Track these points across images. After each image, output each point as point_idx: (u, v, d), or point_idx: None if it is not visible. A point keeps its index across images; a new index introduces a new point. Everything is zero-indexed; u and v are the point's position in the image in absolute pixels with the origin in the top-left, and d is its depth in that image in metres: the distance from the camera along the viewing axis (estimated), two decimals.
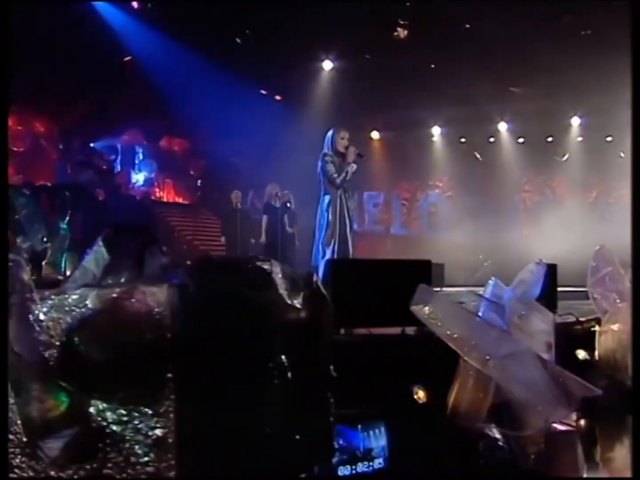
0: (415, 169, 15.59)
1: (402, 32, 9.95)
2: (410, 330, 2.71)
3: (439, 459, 2.10)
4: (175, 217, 13.33)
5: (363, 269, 2.77)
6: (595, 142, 13.74)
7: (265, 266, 1.18)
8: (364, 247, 15.69)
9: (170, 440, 1.01)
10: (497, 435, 2.20)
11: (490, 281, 2.67)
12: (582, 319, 3.58)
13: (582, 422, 3.29)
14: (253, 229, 8.89)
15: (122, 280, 1.29)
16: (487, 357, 2.22)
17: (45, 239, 11.02)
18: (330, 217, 4.96)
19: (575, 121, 13.99)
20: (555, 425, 2.27)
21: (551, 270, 3.71)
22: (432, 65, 11.84)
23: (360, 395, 2.34)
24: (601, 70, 10.37)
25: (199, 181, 15.55)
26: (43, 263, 10.60)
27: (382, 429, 2.03)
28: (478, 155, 15.19)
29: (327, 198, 5.07)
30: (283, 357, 1.12)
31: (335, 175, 5.00)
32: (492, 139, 14.79)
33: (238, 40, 10.36)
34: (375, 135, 15.37)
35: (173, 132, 15.26)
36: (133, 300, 1.08)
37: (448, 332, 2.30)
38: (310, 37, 10.42)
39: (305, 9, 9.37)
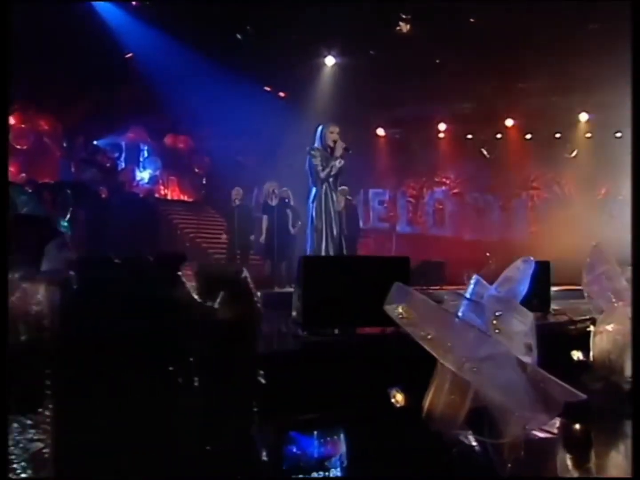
0: (421, 166, 15.44)
1: (404, 27, 9.80)
2: (389, 330, 2.59)
3: (408, 467, 1.99)
4: (179, 215, 13.27)
5: (336, 267, 2.64)
6: (604, 138, 13.50)
7: (173, 264, 1.07)
8: (369, 245, 15.58)
9: (46, 455, 0.91)
10: (473, 442, 2.08)
11: (472, 279, 2.54)
12: (576, 319, 3.44)
13: (576, 426, 3.16)
14: (252, 226, 8.78)
15: (17, 275, 1.19)
16: (463, 360, 2.10)
17: None
18: (313, 212, 4.85)
19: (584, 117, 13.77)
20: (536, 432, 2.14)
21: (544, 268, 3.58)
22: (437, 61, 11.67)
23: (331, 399, 2.23)
24: (609, 65, 10.16)
25: (204, 179, 15.48)
26: None
27: (342, 435, 1.92)
28: (485, 152, 15.00)
29: (312, 192, 4.96)
30: (191, 360, 1.02)
31: (320, 168, 4.86)
32: (499, 136, 14.60)
33: (239, 36, 10.25)
34: (380, 132, 15.23)
35: (177, 129, 15.20)
36: (12, 298, 0.98)
37: (422, 334, 2.18)
38: (312, 32, 10.30)
39: (305, 5, 9.25)
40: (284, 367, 2.06)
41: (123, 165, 14.80)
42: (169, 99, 12.69)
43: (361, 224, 15.93)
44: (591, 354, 3.33)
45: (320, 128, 5.01)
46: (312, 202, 4.88)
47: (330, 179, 4.84)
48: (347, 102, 13.16)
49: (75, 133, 13.36)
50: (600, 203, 14.29)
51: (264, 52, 11.25)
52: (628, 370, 3.22)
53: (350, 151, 5.00)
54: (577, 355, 3.53)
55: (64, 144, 13.48)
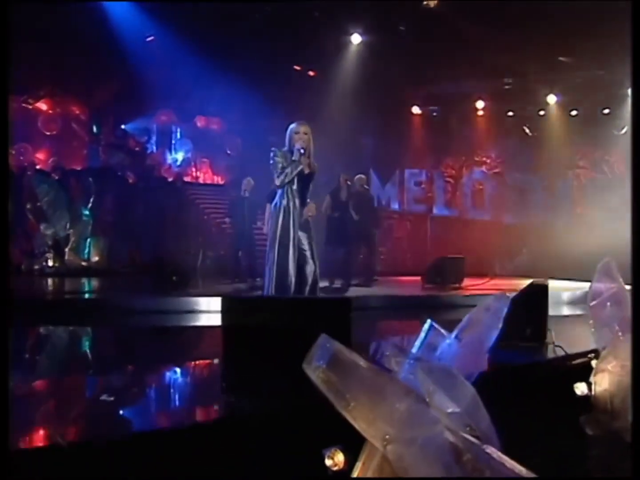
0: (459, 145, 14.77)
1: (431, 2, 9.16)
2: None
3: None
4: (206, 199, 13.10)
5: (261, 310, 2.26)
6: None
7: None
8: (404, 228, 15.09)
9: None
10: None
11: (426, 324, 2.12)
12: (576, 353, 2.94)
13: None
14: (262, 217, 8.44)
15: None
16: (387, 438, 1.72)
17: (68, 225, 11.05)
18: (272, 220, 4.34)
19: None
20: None
21: (541, 292, 3.11)
22: (471, 36, 10.92)
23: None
24: None
25: (235, 161, 15.27)
26: (66, 249, 10.66)
27: None
28: (527, 130, 14.19)
29: (276, 197, 4.44)
30: None
31: (276, 174, 4.26)
32: (541, 112, 13.74)
33: (257, 16, 9.86)
34: (416, 110, 14.59)
35: (208, 111, 15.02)
36: None
37: (344, 402, 1.80)
38: (334, 10, 9.80)
39: None
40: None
41: (154, 148, 14.75)
42: (196, 80, 12.51)
43: (397, 205, 15.44)
44: (592, 393, 2.85)
45: (289, 128, 4.46)
46: (273, 209, 4.38)
47: (294, 187, 4.32)
48: (380, 80, 12.63)
49: (103, 118, 13.31)
50: None
51: (287, 32, 10.85)
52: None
53: (303, 151, 4.40)
54: (579, 389, 3.06)
55: (93, 129, 13.47)
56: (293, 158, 4.31)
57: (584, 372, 2.87)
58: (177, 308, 5.70)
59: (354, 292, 7.56)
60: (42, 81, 12.16)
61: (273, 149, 4.39)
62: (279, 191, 4.37)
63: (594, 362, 2.89)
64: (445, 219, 14.75)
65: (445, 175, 15.49)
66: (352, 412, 1.80)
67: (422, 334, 2.07)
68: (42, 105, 12.84)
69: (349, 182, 8.09)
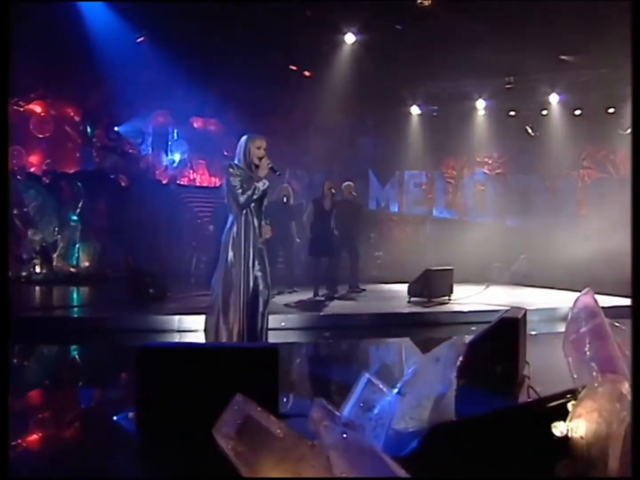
0: (460, 145, 14.44)
1: (425, 1, 8.85)
2: None
3: None
4: (199, 203, 12.89)
5: (183, 361, 1.99)
6: None
7: None
8: (403, 230, 14.81)
9: None
10: None
11: (363, 377, 1.85)
12: (551, 395, 2.64)
13: None
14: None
15: None
16: None
17: (56, 231, 10.83)
18: (230, 245, 4.05)
19: None
20: None
21: (511, 326, 2.83)
22: (470, 34, 10.61)
23: None
24: None
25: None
26: (54, 255, 10.44)
27: None
28: (529, 130, 13.84)
29: (230, 219, 4.04)
30: None
31: (240, 191, 3.91)
32: (544, 112, 13.39)
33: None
34: (415, 110, 14.28)
35: (205, 112, 14.82)
36: None
37: (253, 477, 1.55)
38: (327, 9, 9.53)
39: None
40: None
41: (150, 150, 14.55)
42: (192, 81, 12.31)
43: (397, 208, 15.15)
44: (569, 438, 2.57)
45: (243, 140, 4.14)
46: (228, 230, 4.09)
47: (252, 204, 4.04)
48: (377, 80, 12.36)
49: (96, 120, 13.12)
50: None
51: (282, 32, 10.61)
52: (613, 464, 2.46)
53: (279, 173, 4.19)
54: (558, 429, 2.77)
55: (87, 131, 13.27)
56: (260, 174, 4.05)
57: (560, 416, 2.59)
58: (153, 327, 5.46)
59: (335, 307, 7.29)
60: (33, 83, 11.98)
61: (229, 162, 4.13)
62: (232, 213, 4.09)
63: (570, 405, 2.61)
64: (446, 221, 14.45)
65: (446, 177, 15.19)
66: None
67: (357, 391, 1.80)
68: (35, 108, 12.67)
69: (333, 191, 7.79)
